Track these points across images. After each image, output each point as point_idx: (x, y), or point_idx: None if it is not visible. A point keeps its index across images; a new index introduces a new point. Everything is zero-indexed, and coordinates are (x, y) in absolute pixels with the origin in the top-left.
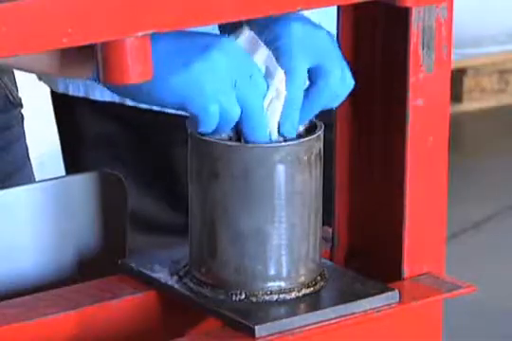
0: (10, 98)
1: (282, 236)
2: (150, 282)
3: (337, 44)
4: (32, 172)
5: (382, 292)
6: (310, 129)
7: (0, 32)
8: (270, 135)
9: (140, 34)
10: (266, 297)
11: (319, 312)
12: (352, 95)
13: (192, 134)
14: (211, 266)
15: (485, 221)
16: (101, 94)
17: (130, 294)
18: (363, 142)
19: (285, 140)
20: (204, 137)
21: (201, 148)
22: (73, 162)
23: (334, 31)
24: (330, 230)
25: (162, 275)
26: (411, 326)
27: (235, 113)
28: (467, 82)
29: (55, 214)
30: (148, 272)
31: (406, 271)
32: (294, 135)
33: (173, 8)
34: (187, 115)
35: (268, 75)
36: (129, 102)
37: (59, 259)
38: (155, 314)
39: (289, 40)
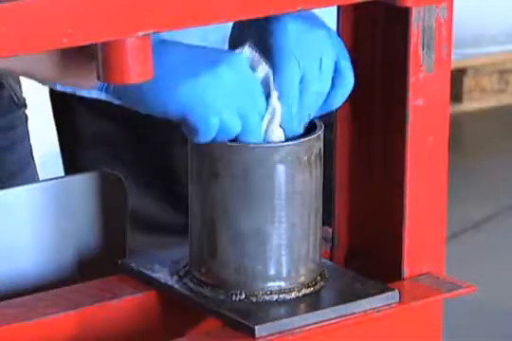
0: (15, 98)
1: (282, 236)
2: (150, 282)
3: (336, 42)
4: (36, 172)
5: (382, 292)
6: (310, 129)
7: (0, 32)
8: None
9: (140, 34)
10: (266, 297)
11: (319, 312)
12: (352, 95)
13: None
14: (211, 266)
15: (485, 221)
16: (88, 90)
17: (130, 294)
18: (363, 142)
19: (285, 140)
20: None
21: (201, 148)
22: (72, 162)
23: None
24: (330, 230)
25: (162, 275)
26: (411, 326)
27: (236, 127)
28: (467, 82)
29: (55, 214)
30: (148, 272)
31: (406, 271)
32: (299, 131)
33: (173, 8)
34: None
35: (266, 93)
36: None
37: (59, 259)
38: (155, 314)
39: (283, 36)
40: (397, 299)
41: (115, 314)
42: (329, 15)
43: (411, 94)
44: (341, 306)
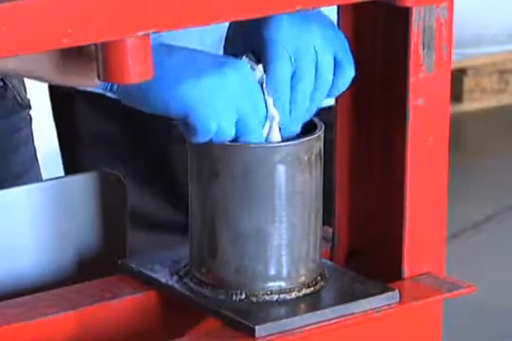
0: (19, 99)
1: (282, 236)
2: (150, 282)
3: (333, 35)
4: (40, 174)
5: (382, 292)
6: (310, 129)
7: (0, 32)
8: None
9: (140, 34)
10: (267, 297)
11: (319, 312)
12: (352, 95)
13: None
14: (212, 266)
15: (485, 221)
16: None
17: (130, 294)
18: (363, 142)
19: (286, 140)
20: None
21: (201, 148)
22: (72, 160)
23: None
24: (330, 230)
25: (162, 275)
26: (411, 326)
27: (230, 134)
28: (467, 82)
29: (55, 214)
30: (148, 272)
31: (406, 271)
32: (296, 130)
33: (173, 8)
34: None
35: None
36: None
37: (59, 259)
38: (155, 314)
39: (276, 31)
40: (397, 299)
41: (115, 314)
42: (329, 15)
43: (411, 94)
44: (341, 306)
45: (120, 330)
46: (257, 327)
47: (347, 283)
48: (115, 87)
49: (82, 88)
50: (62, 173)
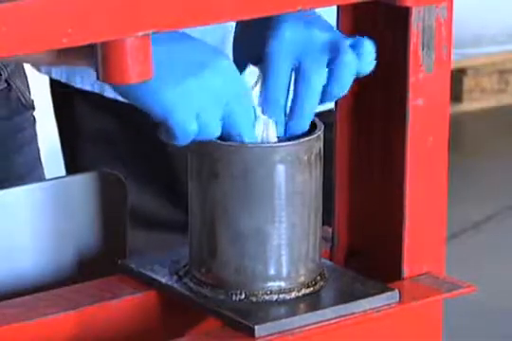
0: (23, 100)
1: (282, 236)
2: (150, 282)
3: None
4: (43, 174)
5: (382, 292)
6: (310, 129)
7: (0, 32)
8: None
9: (140, 34)
10: (266, 297)
11: (318, 312)
12: (352, 95)
13: None
14: (211, 266)
15: (485, 221)
16: (82, 81)
17: (130, 294)
18: (363, 142)
19: (286, 140)
20: None
21: (201, 148)
22: (73, 158)
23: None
24: (330, 230)
25: (162, 275)
26: (411, 326)
27: (214, 133)
28: (467, 82)
29: (55, 214)
30: (148, 272)
31: (406, 271)
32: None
33: (173, 8)
34: None
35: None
36: (108, 94)
37: (59, 259)
38: (155, 314)
39: (276, 42)
40: (397, 299)
41: (115, 314)
42: (329, 15)
43: (411, 94)
44: (341, 306)
45: (120, 330)
46: (257, 327)
47: (347, 283)
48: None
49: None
50: (63, 172)
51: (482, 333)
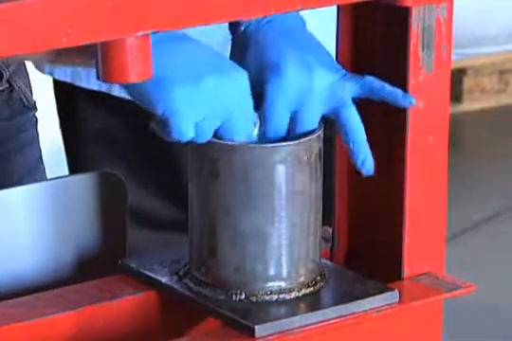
0: (25, 101)
1: (282, 236)
2: (150, 282)
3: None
4: (45, 175)
5: (382, 292)
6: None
7: (0, 32)
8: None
9: (140, 34)
10: (266, 297)
11: (319, 312)
12: None
13: None
14: (211, 266)
15: (485, 221)
16: (88, 81)
17: (130, 294)
18: None
19: (286, 140)
20: None
21: (201, 148)
22: (75, 157)
23: (333, 32)
24: (330, 230)
25: (162, 275)
26: (411, 326)
27: (207, 138)
28: (467, 82)
29: (55, 214)
30: (148, 272)
31: (406, 271)
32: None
33: (173, 8)
34: None
35: None
36: (115, 92)
37: (58, 259)
38: (155, 314)
39: (275, 87)
40: (397, 299)
41: (115, 314)
42: (329, 15)
43: (411, 94)
44: (341, 306)
45: (120, 330)
46: (257, 327)
47: (347, 283)
48: None
49: (71, 81)
50: (64, 172)
51: (482, 333)
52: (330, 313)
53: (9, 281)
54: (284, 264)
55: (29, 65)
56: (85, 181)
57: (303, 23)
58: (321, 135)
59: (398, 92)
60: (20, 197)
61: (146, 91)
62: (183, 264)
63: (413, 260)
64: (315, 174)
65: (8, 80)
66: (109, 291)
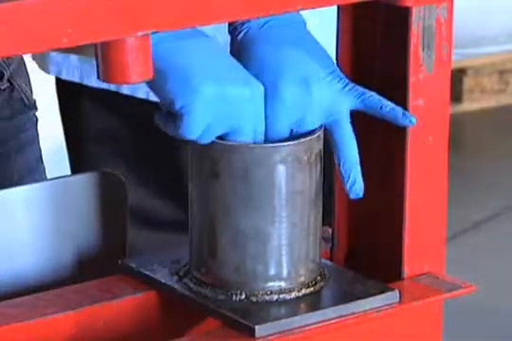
0: (25, 100)
1: (282, 236)
2: (150, 282)
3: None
4: (45, 174)
5: (382, 292)
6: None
7: (0, 32)
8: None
9: (140, 34)
10: (266, 297)
11: (319, 312)
12: None
13: None
14: (211, 266)
15: (485, 221)
16: (97, 80)
17: (130, 294)
18: (363, 142)
19: (285, 140)
20: None
21: (201, 147)
22: (77, 157)
23: (333, 32)
24: (330, 230)
25: (162, 275)
26: (411, 326)
27: (212, 138)
28: (467, 82)
29: (55, 214)
30: (148, 272)
31: (406, 271)
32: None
33: (173, 8)
34: None
35: None
36: (124, 91)
37: (58, 259)
38: (155, 314)
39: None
40: (397, 299)
41: (115, 314)
42: (329, 15)
43: (411, 94)
44: (341, 306)
45: (120, 330)
46: (257, 327)
47: (347, 283)
48: None
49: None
50: (65, 171)
51: (482, 333)
52: (330, 313)
53: (8, 281)
54: (285, 264)
55: (30, 65)
56: (85, 181)
57: (304, 23)
58: (321, 135)
59: (398, 110)
60: (20, 197)
61: (169, 84)
62: (183, 264)
63: (413, 260)
64: (315, 174)
65: (8, 80)
66: (109, 291)
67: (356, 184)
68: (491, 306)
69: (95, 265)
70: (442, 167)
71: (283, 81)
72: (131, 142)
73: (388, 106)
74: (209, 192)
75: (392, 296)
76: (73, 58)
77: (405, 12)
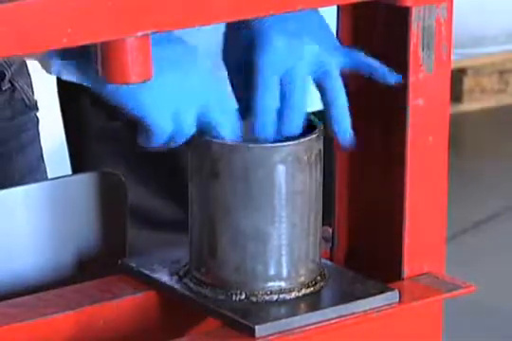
0: (26, 101)
1: (282, 236)
2: (150, 282)
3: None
4: (46, 174)
5: (382, 292)
6: (310, 129)
7: (0, 32)
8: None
9: (140, 34)
10: (266, 297)
11: (319, 312)
12: (352, 94)
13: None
14: (211, 266)
15: (485, 221)
16: None
17: (130, 294)
18: (363, 142)
19: (285, 140)
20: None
21: (201, 147)
22: (78, 156)
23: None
24: (330, 230)
25: (162, 275)
26: (411, 326)
27: (188, 133)
28: (467, 82)
29: (55, 214)
30: (148, 272)
31: (406, 271)
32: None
33: (173, 8)
34: None
35: None
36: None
37: (59, 259)
38: (155, 314)
39: (265, 56)
40: (397, 299)
41: (115, 314)
42: (329, 15)
43: (411, 94)
44: (341, 306)
45: (120, 330)
46: (257, 327)
47: (347, 283)
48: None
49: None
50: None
51: (482, 333)
52: (330, 313)
53: (9, 281)
54: (284, 264)
55: (31, 65)
56: (85, 181)
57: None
58: (321, 136)
59: (386, 69)
60: (20, 197)
61: (118, 95)
62: (183, 264)
63: (413, 260)
64: (315, 174)
65: (10, 80)
66: (109, 291)
67: (347, 130)
68: (491, 306)
69: (95, 265)
70: (442, 167)
71: (277, 30)
72: (131, 142)
73: (375, 63)
74: (209, 192)
75: (391, 296)
76: None
77: (405, 12)
